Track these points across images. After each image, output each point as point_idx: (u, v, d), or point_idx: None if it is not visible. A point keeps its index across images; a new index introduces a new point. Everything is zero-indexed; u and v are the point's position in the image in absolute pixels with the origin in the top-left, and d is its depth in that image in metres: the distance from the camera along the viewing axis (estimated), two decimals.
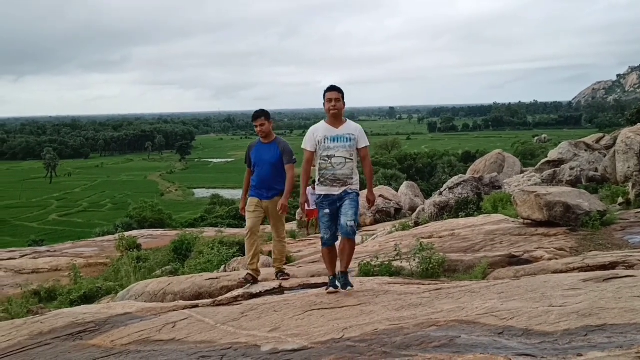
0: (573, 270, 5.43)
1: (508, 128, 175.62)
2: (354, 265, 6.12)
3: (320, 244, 5.32)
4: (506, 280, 5.08)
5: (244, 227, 6.03)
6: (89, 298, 9.41)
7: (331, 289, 4.93)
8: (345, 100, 4.98)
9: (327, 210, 4.89)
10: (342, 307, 4.41)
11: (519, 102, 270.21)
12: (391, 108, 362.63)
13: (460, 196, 12.90)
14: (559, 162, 15.88)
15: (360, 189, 5.13)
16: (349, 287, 4.87)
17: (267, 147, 5.83)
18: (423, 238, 8.29)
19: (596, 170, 13.44)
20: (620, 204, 9.57)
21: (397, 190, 21.20)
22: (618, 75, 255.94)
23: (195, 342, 3.99)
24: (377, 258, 6.85)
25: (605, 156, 14.09)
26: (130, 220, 34.00)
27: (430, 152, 70.35)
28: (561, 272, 5.40)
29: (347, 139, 4.88)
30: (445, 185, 14.35)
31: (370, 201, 5.24)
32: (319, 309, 4.41)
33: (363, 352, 3.12)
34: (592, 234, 7.18)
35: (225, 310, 4.92)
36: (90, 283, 10.33)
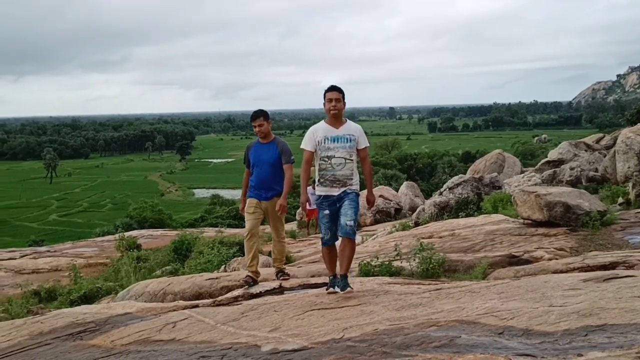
0: (573, 270, 5.43)
1: (508, 128, 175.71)
2: (354, 265, 6.12)
3: (320, 243, 5.31)
4: (506, 280, 5.08)
5: (244, 228, 6.02)
6: (89, 298, 9.41)
7: (331, 289, 4.92)
8: (345, 101, 4.96)
9: (327, 211, 4.88)
10: (342, 307, 4.41)
11: (519, 102, 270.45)
12: (391, 108, 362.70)
13: (460, 196, 12.90)
14: (559, 162, 15.88)
15: (360, 189, 5.12)
16: (348, 288, 4.86)
17: (265, 147, 5.81)
18: (423, 238, 8.29)
19: (596, 170, 13.44)
20: (620, 204, 9.57)
21: (397, 190, 21.20)
22: (618, 76, 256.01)
23: (196, 342, 3.99)
24: (377, 258, 6.85)
25: (605, 156, 14.09)
26: (130, 220, 33.99)
27: (430, 152, 70.38)
28: (561, 272, 5.40)
29: (347, 139, 4.86)
30: (445, 185, 14.35)
31: (370, 202, 5.24)
32: (319, 309, 4.41)
33: (363, 352, 3.12)
34: (592, 234, 7.18)
35: (225, 310, 4.92)
36: (90, 283, 10.33)
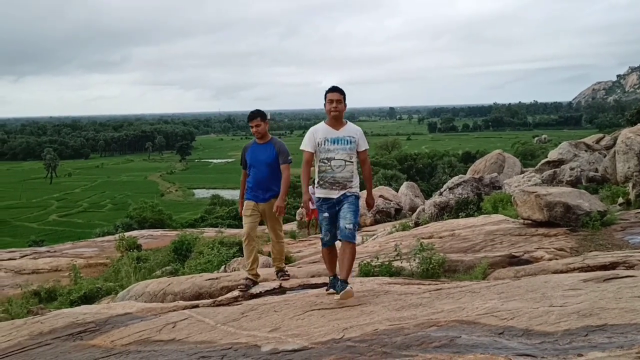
0: (573, 270, 5.43)
1: (508, 128, 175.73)
2: (354, 265, 6.11)
3: (320, 244, 5.30)
4: (506, 281, 5.07)
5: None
6: (89, 298, 9.41)
7: (331, 289, 4.90)
8: (346, 102, 4.92)
9: (327, 214, 4.83)
10: (343, 307, 4.41)
11: (519, 102, 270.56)
12: (391, 108, 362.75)
13: (460, 196, 12.90)
14: (559, 163, 15.89)
15: (360, 190, 5.11)
16: (347, 287, 4.82)
17: (262, 148, 5.76)
18: (423, 238, 8.29)
19: (596, 170, 13.44)
20: (620, 204, 9.57)
21: (397, 190, 21.21)
22: (618, 76, 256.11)
23: (196, 342, 3.99)
24: (377, 258, 6.85)
25: (605, 156, 14.10)
26: (130, 220, 34.01)
27: (431, 152, 70.37)
28: (561, 272, 5.40)
29: (347, 141, 4.82)
30: (446, 185, 14.36)
31: (370, 205, 5.21)
32: (319, 309, 4.41)
33: (363, 352, 3.12)
34: (592, 234, 7.18)
35: (225, 311, 4.92)
36: (90, 283, 10.33)
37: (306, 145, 4.88)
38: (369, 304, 4.41)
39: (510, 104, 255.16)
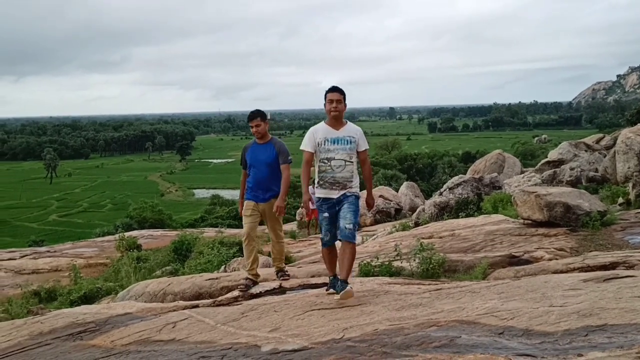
0: (573, 270, 5.43)
1: (508, 128, 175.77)
2: (354, 265, 6.11)
3: (320, 244, 5.30)
4: (506, 281, 5.07)
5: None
6: (89, 298, 9.41)
7: (331, 289, 4.90)
8: (346, 102, 4.92)
9: (326, 214, 4.83)
10: (343, 307, 4.41)
11: (519, 102, 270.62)
12: (391, 108, 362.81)
13: (460, 196, 12.90)
14: (559, 163, 15.89)
15: (360, 190, 5.11)
16: (347, 287, 4.82)
17: (262, 148, 5.75)
18: (423, 238, 8.29)
19: (596, 170, 13.44)
20: (620, 204, 9.58)
21: (397, 190, 21.21)
22: (618, 76, 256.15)
23: (196, 342, 3.99)
24: (377, 258, 6.85)
25: (605, 156, 14.10)
26: (130, 220, 34.02)
27: (431, 152, 70.38)
28: (561, 272, 5.40)
29: (347, 141, 4.81)
30: (446, 185, 14.36)
31: (370, 205, 5.21)
32: (319, 309, 4.41)
33: (363, 352, 3.12)
34: (592, 234, 7.18)
35: (225, 311, 4.92)
36: (90, 283, 10.33)
37: (306, 145, 4.88)
38: (369, 304, 4.41)
39: (510, 104, 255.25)
